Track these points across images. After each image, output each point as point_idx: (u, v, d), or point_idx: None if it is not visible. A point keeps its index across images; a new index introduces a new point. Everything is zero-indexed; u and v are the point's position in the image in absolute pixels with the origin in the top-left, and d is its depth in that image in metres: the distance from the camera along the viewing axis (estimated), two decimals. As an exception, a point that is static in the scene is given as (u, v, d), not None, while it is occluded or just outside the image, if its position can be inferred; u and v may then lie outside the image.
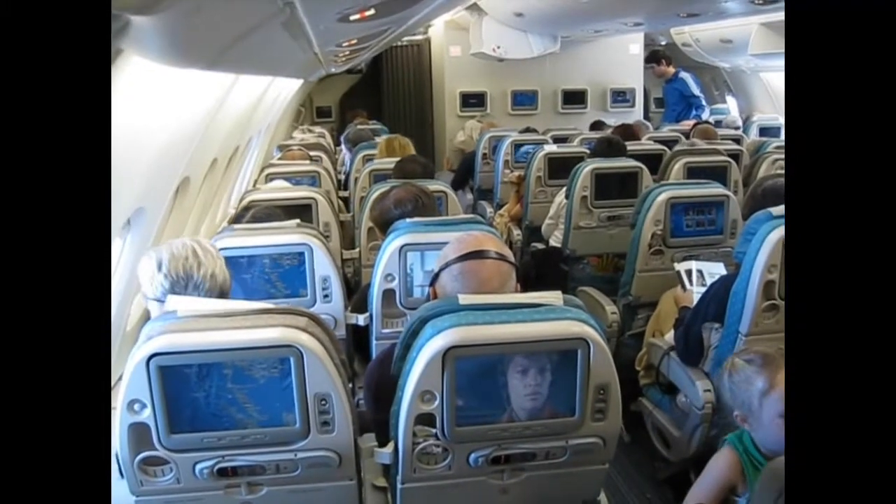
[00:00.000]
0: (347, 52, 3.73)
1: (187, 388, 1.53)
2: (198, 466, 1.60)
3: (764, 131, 7.85)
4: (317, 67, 4.29)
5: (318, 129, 7.74)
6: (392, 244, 2.47)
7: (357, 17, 1.88)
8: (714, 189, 3.49)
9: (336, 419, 1.64)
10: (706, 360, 2.77)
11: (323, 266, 2.52)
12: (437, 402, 1.64)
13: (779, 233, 2.47)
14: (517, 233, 4.97)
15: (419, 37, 9.91)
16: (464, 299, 1.67)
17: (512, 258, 1.92)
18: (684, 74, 8.27)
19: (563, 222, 4.18)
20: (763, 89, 8.99)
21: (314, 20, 1.85)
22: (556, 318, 1.64)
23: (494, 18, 7.76)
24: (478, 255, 1.83)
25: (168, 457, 1.59)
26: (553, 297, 1.69)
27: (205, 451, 1.59)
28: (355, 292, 3.12)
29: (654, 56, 8.44)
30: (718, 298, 2.68)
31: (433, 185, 3.25)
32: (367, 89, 10.45)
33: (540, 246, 4.55)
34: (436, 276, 1.88)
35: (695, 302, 2.86)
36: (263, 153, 6.18)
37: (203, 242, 1.92)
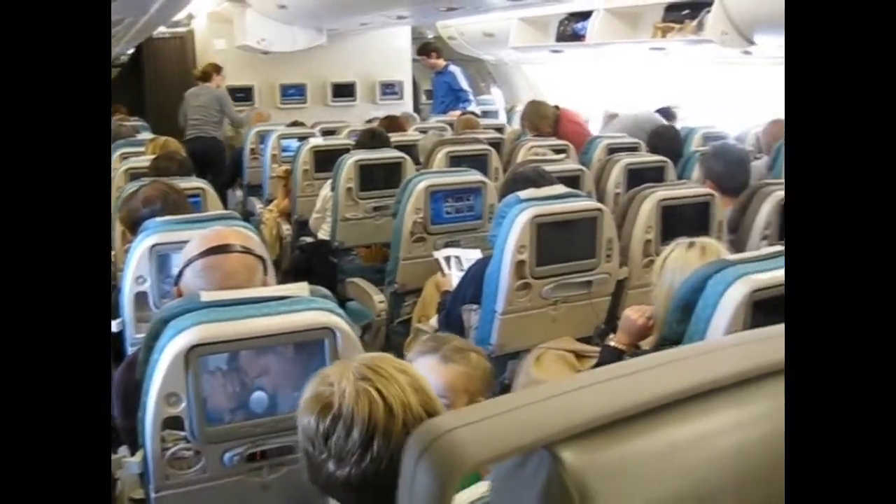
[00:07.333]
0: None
1: None
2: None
3: (525, 120, 8.23)
4: (60, 61, 4.01)
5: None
6: (141, 245, 2.37)
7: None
8: (471, 176, 3.61)
9: (74, 432, 1.55)
10: (468, 341, 2.86)
11: (67, 271, 2.37)
12: (183, 404, 1.60)
13: (526, 215, 2.60)
14: (287, 227, 4.92)
15: (182, 29, 9.52)
16: (206, 296, 1.63)
17: (260, 251, 1.90)
18: (453, 68, 8.49)
19: (329, 215, 4.18)
20: (524, 81, 9.44)
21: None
22: (302, 310, 1.64)
23: (258, 10, 7.63)
24: (221, 249, 1.80)
25: None
26: (298, 288, 1.69)
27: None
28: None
29: (424, 48, 8.61)
30: (475, 281, 2.78)
31: (188, 183, 3.14)
32: (128, 84, 9.87)
33: (309, 240, 4.52)
34: (179, 275, 1.82)
35: (454, 286, 2.96)
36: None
37: None
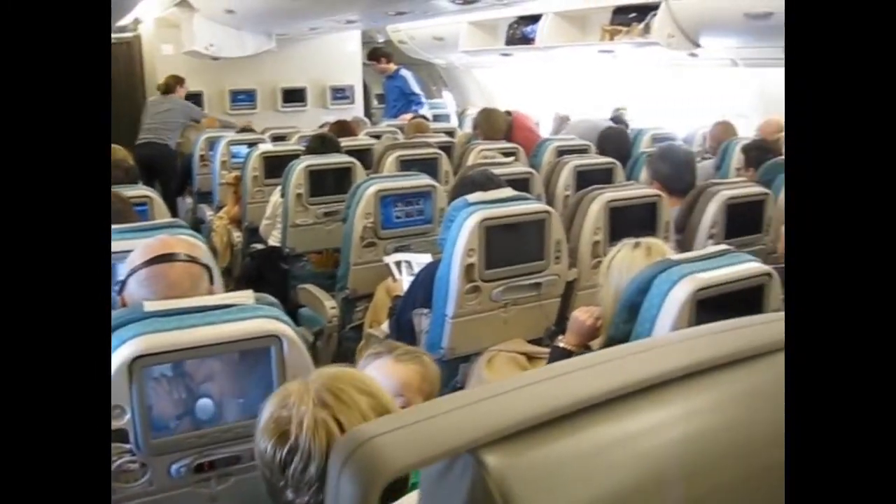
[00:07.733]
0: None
1: None
2: None
3: (476, 123, 8.25)
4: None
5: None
6: (85, 255, 2.33)
7: None
8: (420, 180, 3.61)
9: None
10: (419, 346, 2.86)
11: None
12: (127, 416, 1.57)
13: (474, 218, 2.61)
14: (237, 234, 4.87)
15: (128, 34, 9.37)
16: (150, 306, 1.60)
17: (206, 260, 1.88)
18: (405, 72, 8.49)
19: (280, 221, 4.15)
20: (475, 84, 9.47)
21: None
22: (247, 318, 1.62)
23: (206, 16, 7.55)
24: (165, 258, 1.77)
25: None
26: (244, 296, 1.67)
27: None
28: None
29: (374, 54, 8.60)
30: (425, 285, 2.79)
31: (134, 191, 3.09)
32: (73, 91, 9.70)
33: (260, 246, 4.49)
34: (123, 284, 1.80)
35: (405, 291, 2.96)
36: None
37: None
